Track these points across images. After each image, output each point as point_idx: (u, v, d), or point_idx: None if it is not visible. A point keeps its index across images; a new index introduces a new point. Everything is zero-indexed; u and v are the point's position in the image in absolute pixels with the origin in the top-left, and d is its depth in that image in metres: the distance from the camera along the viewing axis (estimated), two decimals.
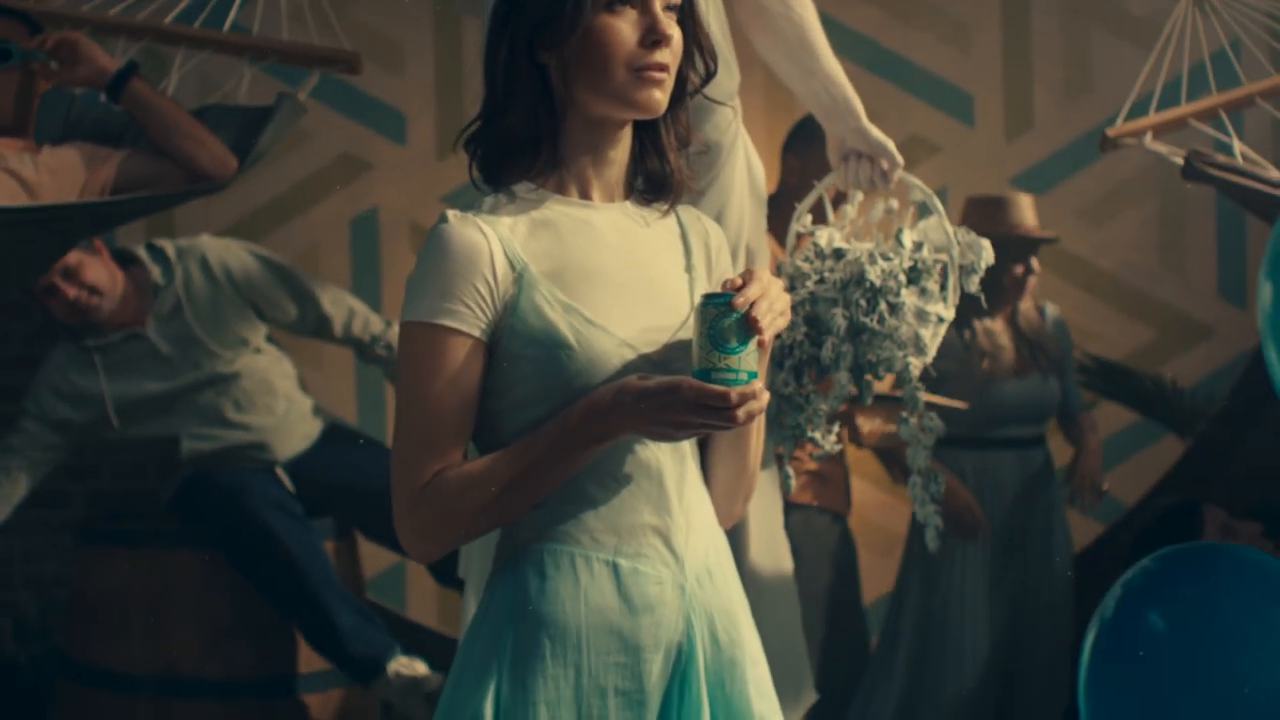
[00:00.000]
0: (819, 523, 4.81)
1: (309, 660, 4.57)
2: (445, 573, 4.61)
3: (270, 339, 4.75)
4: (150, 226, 4.97)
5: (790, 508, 4.53)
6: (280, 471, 4.64)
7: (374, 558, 5.08)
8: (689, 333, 2.26)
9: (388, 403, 5.24)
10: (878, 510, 5.25)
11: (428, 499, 2.27)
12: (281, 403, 4.70)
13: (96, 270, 4.43)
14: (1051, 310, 5.05)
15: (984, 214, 4.78)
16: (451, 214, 2.30)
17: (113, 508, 5.20)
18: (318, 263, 5.35)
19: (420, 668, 4.39)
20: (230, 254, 4.65)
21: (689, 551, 2.31)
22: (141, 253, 4.57)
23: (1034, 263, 4.82)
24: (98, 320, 4.48)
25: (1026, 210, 4.83)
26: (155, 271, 4.54)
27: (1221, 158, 4.12)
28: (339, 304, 4.78)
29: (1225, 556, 2.73)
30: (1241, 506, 4.15)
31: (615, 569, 2.29)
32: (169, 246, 4.61)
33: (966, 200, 4.91)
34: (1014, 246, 4.71)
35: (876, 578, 5.15)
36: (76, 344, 4.52)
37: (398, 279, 5.35)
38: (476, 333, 2.24)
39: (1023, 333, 4.88)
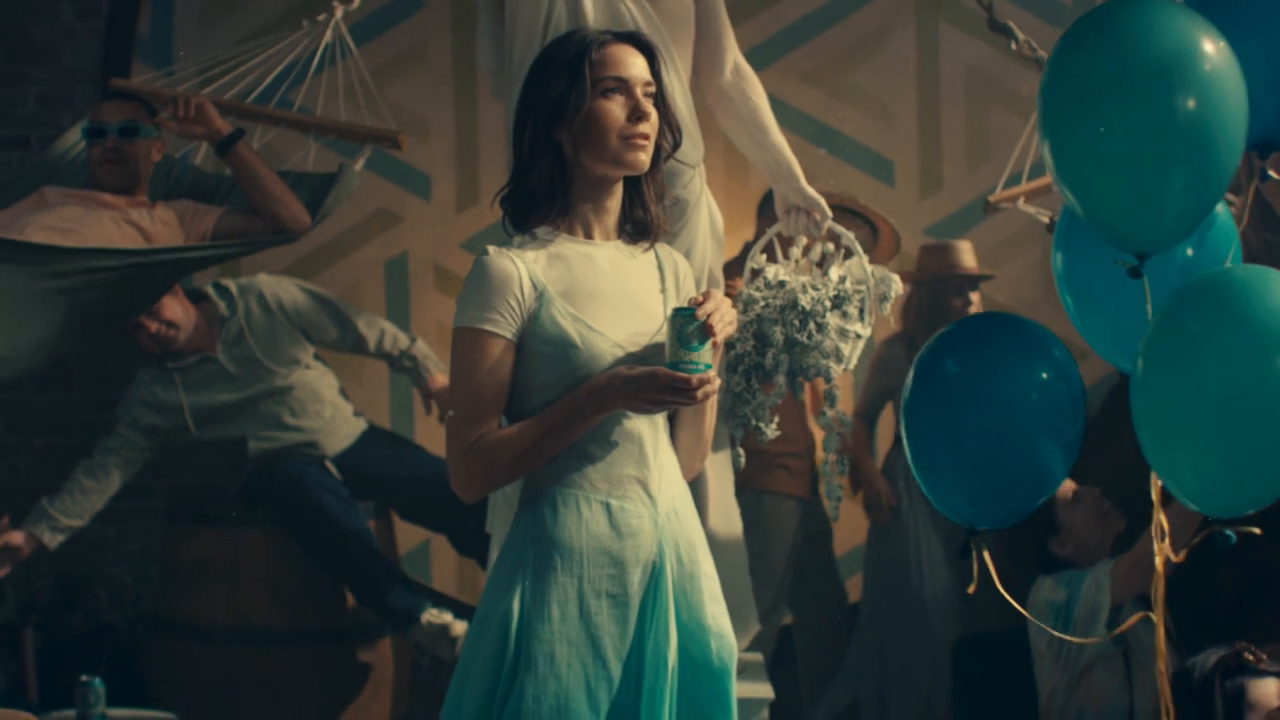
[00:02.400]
0: (785, 506, 4.99)
1: (357, 613, 4.74)
2: (464, 543, 4.85)
3: (317, 357, 4.90)
4: (218, 268, 5.07)
5: (762, 494, 4.83)
6: (329, 464, 4.79)
7: (406, 537, 5.19)
8: (663, 336, 2.60)
9: (415, 408, 5.32)
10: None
11: (473, 456, 2.58)
12: (328, 409, 4.84)
13: (174, 308, 4.56)
14: None
15: (933, 257, 5.00)
16: (491, 249, 2.63)
17: (190, 497, 5.27)
18: (358, 297, 5.40)
19: (447, 617, 4.53)
20: (282, 289, 4.79)
21: (661, 495, 2.65)
22: (210, 291, 4.69)
23: (973, 296, 4.98)
24: (176, 348, 4.61)
25: (967, 254, 5.00)
26: (222, 306, 4.68)
27: None
28: (372, 326, 4.88)
29: (995, 320, 3.08)
30: (1114, 489, 4.32)
31: (608, 507, 2.62)
32: (232, 285, 4.75)
33: (920, 248, 5.09)
34: (956, 283, 4.93)
35: None
36: (160, 366, 4.66)
37: (424, 310, 5.58)
38: (509, 335, 2.58)
39: None
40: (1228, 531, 2.96)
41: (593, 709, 2.58)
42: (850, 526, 5.27)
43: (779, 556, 5.01)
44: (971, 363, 2.88)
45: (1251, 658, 3.13)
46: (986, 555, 2.92)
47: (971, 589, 2.93)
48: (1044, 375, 2.84)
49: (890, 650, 4.96)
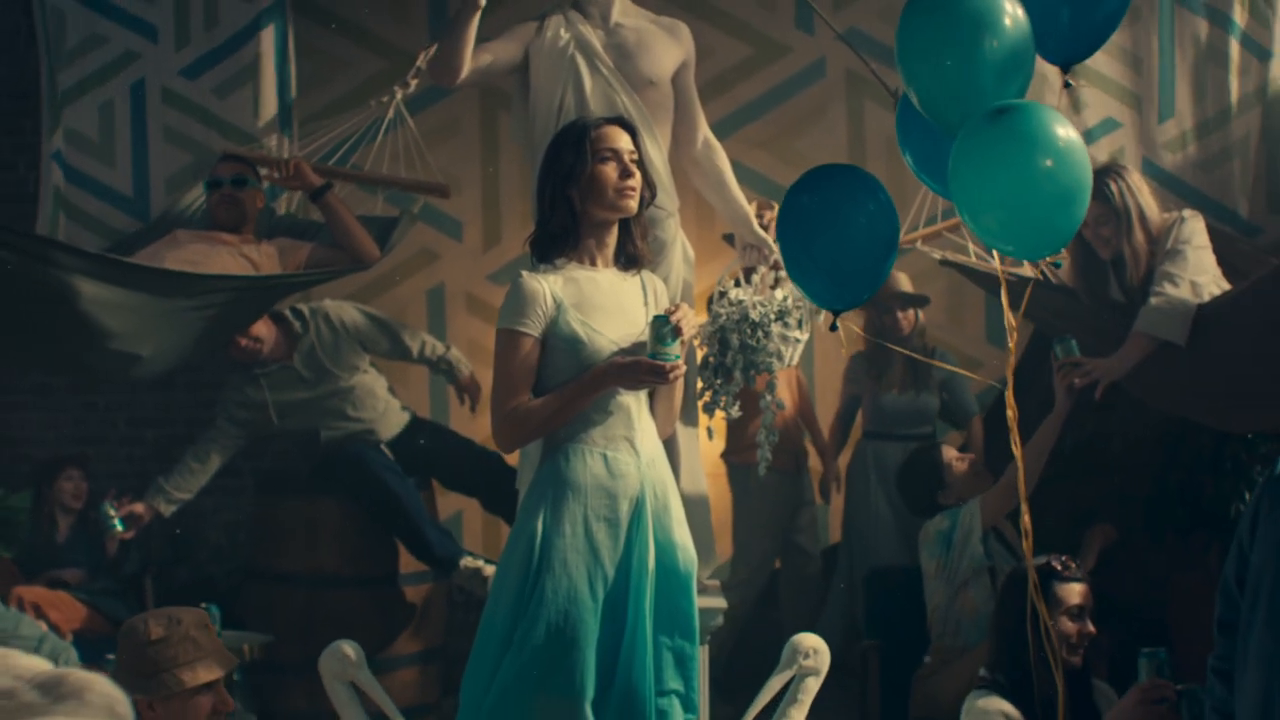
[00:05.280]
0: (771, 477, 4.77)
1: (408, 563, 4.98)
2: (492, 504, 5.15)
3: (372, 363, 5.12)
4: (295, 295, 5.07)
5: (750, 467, 4.80)
6: (384, 447, 5.01)
7: (443, 509, 5.39)
8: (645, 336, 2.98)
9: (450, 403, 5.49)
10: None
11: (510, 419, 2.98)
12: (381, 404, 5.07)
13: (259, 327, 4.78)
14: (941, 349, 5.23)
15: (884, 285, 4.95)
16: (524, 273, 3.02)
17: (273, 475, 5.45)
18: (404, 318, 5.48)
19: (480, 562, 4.71)
20: (344, 311, 5.03)
21: (643, 448, 3.04)
22: (287, 313, 4.92)
23: (908, 313, 5.09)
24: (260, 359, 4.86)
25: (903, 281, 5.13)
26: (297, 325, 4.92)
27: (962, 257, 4.56)
28: (415, 338, 5.11)
29: (838, 168, 3.32)
30: (986, 460, 4.67)
31: (605, 456, 3.00)
32: (305, 308, 4.99)
33: None
34: (896, 301, 5.07)
35: None
36: (249, 372, 4.92)
37: (457, 328, 5.81)
38: (536, 334, 2.99)
39: (907, 362, 5.07)
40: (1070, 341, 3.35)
41: (593, 599, 2.93)
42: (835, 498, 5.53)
43: (767, 516, 5.25)
44: (820, 197, 3.19)
45: (1059, 566, 3.33)
46: (856, 329, 3.19)
47: (844, 351, 3.25)
48: (870, 207, 3.14)
49: (858, 580, 5.10)
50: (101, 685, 1.43)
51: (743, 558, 5.35)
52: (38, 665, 1.45)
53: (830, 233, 3.16)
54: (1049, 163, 2.74)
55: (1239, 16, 4.80)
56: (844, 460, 5.50)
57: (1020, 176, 2.76)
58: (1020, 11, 2.84)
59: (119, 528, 4.82)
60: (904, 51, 2.90)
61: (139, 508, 4.86)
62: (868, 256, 3.17)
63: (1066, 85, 3.09)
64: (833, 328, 3.26)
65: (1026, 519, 3.06)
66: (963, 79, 2.82)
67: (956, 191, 2.87)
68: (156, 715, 2.79)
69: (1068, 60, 3.00)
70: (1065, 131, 2.79)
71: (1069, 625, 3.30)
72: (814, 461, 5.54)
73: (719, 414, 3.89)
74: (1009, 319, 3.16)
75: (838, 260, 3.17)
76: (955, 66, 2.81)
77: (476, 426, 5.32)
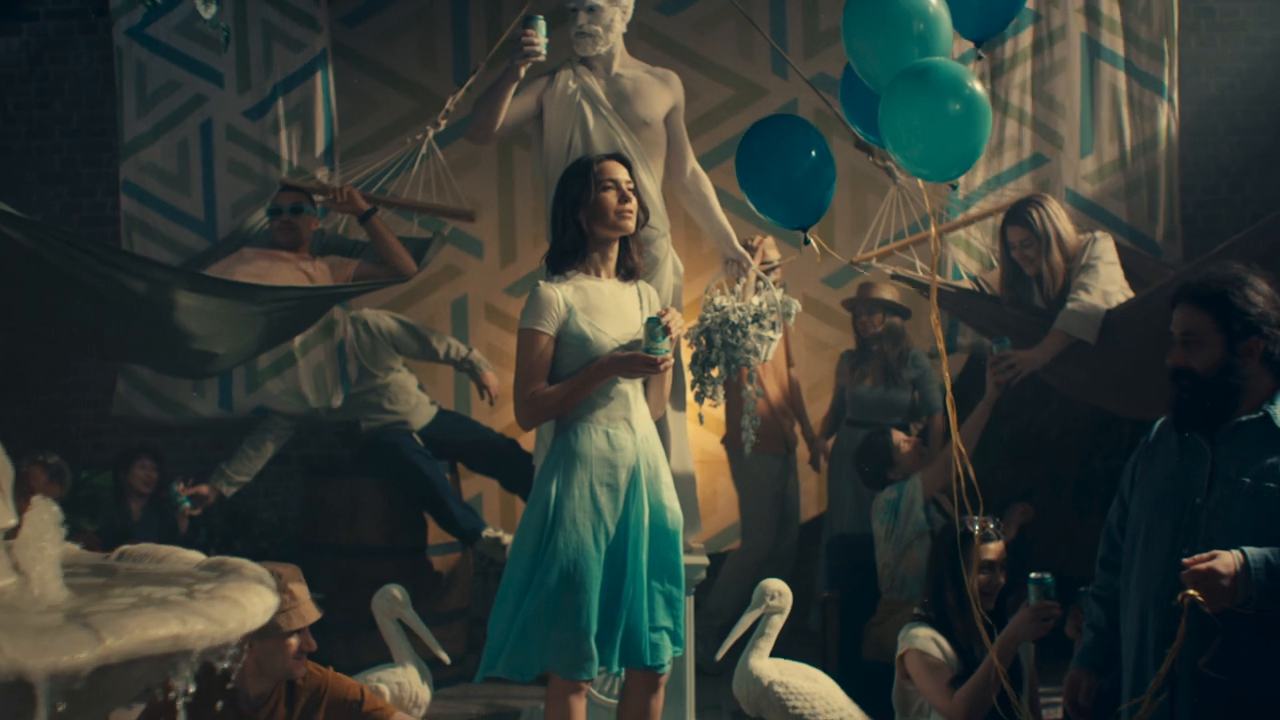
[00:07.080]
0: (765, 459, 5.36)
1: (436, 535, 5.20)
2: (510, 484, 5.34)
3: (404, 364, 5.34)
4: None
5: (742, 453, 4.92)
6: (416, 436, 5.23)
7: (467, 486, 5.57)
8: (640, 335, 3.26)
9: (473, 398, 5.60)
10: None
11: (530, 403, 3.27)
12: (412, 398, 5.29)
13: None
14: (915, 350, 5.37)
15: (864, 291, 5.37)
16: (541, 282, 3.31)
17: (319, 461, 5.70)
18: (432, 325, 5.59)
19: (500, 533, 4.97)
20: (380, 318, 5.26)
21: (638, 427, 3.33)
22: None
23: (877, 318, 5.29)
24: None
25: (882, 289, 5.33)
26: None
27: (910, 272, 4.79)
28: (442, 341, 5.32)
29: (784, 118, 3.66)
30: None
31: (607, 433, 3.29)
32: (346, 316, 5.18)
33: (859, 284, 5.36)
34: (871, 306, 5.32)
35: None
36: None
37: (478, 334, 5.94)
38: (551, 333, 3.28)
39: (882, 361, 5.33)
40: (1004, 340, 3.69)
41: (597, 551, 3.22)
42: (814, 477, 5.82)
43: (764, 494, 5.47)
44: (768, 141, 3.58)
45: (976, 529, 3.52)
46: (819, 240, 3.57)
47: (819, 259, 3.56)
48: (812, 153, 3.54)
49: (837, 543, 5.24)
50: (251, 565, 1.84)
51: (747, 530, 5.56)
52: (197, 556, 1.86)
53: (779, 168, 3.51)
54: (957, 107, 3.15)
55: (1150, 67, 5.13)
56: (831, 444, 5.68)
57: (934, 118, 3.16)
58: (942, 6, 3.25)
59: (186, 504, 5.08)
60: (847, 31, 3.25)
61: (204, 489, 5.13)
62: (807, 186, 3.55)
63: (978, 57, 3.48)
64: (805, 242, 3.63)
65: (962, 489, 3.34)
66: (892, 53, 3.17)
67: (886, 130, 3.24)
68: (254, 652, 3.05)
69: (980, 37, 3.38)
70: (970, 83, 3.19)
71: (982, 576, 3.59)
72: (802, 449, 5.71)
73: (709, 403, 4.15)
74: (935, 317, 3.50)
75: (785, 189, 3.53)
76: (887, 43, 3.17)
77: (495, 418, 5.56)
